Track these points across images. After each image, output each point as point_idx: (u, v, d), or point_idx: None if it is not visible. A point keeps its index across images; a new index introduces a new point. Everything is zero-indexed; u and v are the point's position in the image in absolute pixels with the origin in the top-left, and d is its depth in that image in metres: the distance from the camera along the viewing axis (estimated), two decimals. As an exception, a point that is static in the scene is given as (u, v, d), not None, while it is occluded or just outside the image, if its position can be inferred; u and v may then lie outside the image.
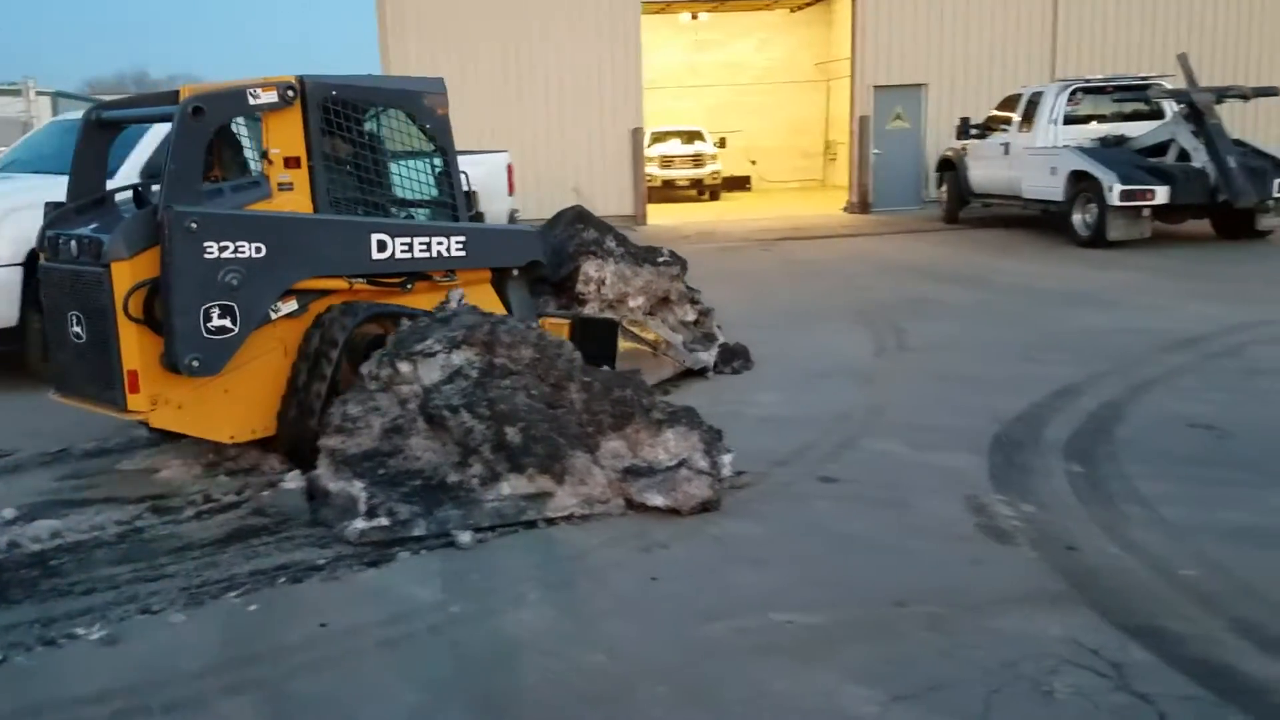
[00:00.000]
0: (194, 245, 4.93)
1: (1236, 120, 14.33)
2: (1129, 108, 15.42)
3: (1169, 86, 14.50)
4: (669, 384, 7.18)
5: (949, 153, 17.70)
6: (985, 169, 16.50)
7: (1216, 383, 6.99)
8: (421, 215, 6.27)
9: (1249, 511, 4.79)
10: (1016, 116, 15.75)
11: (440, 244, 5.95)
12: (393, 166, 6.14)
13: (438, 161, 6.23)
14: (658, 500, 4.85)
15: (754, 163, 31.32)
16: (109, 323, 4.97)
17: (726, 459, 5.22)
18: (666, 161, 26.16)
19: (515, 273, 6.58)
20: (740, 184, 30.81)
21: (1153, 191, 13.07)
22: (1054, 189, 14.35)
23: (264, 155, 5.52)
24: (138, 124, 6.51)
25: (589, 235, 7.65)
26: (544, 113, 18.73)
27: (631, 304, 7.41)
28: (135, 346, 4.97)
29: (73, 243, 5.18)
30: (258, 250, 5.12)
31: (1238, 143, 13.53)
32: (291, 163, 5.50)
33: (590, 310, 7.16)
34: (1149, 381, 7.03)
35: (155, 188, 5.41)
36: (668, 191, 26.33)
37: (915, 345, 8.50)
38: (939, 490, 5.16)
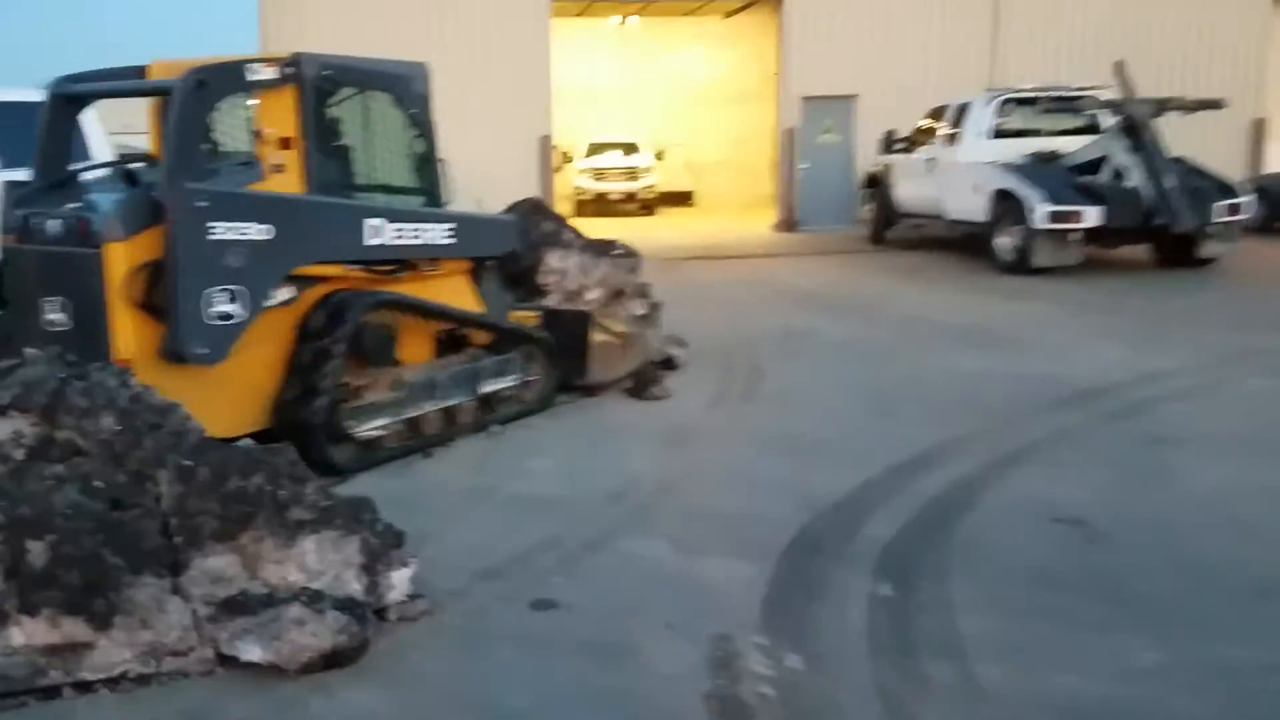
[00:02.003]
0: (201, 225, 4.68)
1: (1179, 136, 13.00)
2: (1066, 122, 14.09)
3: (1105, 97, 13.17)
4: (429, 448, 5.75)
5: (874, 168, 16.36)
6: (910, 186, 15.16)
7: (1105, 454, 5.59)
8: (402, 202, 6.02)
9: (1096, 674, 3.37)
10: (942, 130, 14.41)
11: (430, 231, 5.88)
12: (375, 151, 5.96)
13: (419, 147, 6.07)
14: (253, 653, 3.39)
15: (698, 177, 30.04)
16: (99, 309, 4.68)
17: (399, 576, 3.81)
18: (599, 174, 24.78)
19: (489, 263, 6.49)
20: (682, 199, 29.48)
21: (1081, 213, 11.71)
22: (977, 209, 12.99)
23: (257, 135, 5.26)
24: (107, 98, 5.95)
25: (548, 226, 7.74)
26: (444, 118, 17.18)
27: (589, 296, 7.27)
28: (130, 334, 4.68)
29: (53, 223, 4.88)
30: (263, 232, 4.89)
31: (1177, 160, 12.20)
32: (283, 143, 5.27)
33: (551, 302, 7.12)
34: (1022, 450, 5.63)
35: (135, 165, 5.43)
36: (601, 205, 24.96)
37: (763, 394, 7.07)
38: (684, 625, 3.73)
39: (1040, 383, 7.02)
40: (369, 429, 5.45)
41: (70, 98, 5.46)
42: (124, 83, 5.59)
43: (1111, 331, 8.82)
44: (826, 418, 6.40)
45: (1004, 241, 12.53)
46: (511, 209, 7.81)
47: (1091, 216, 11.68)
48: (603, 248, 7.71)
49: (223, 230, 4.76)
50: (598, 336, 6.76)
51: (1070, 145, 13.29)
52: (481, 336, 6.34)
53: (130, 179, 5.25)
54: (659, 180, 26.36)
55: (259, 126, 5.26)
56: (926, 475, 5.23)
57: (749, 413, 6.63)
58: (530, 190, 17.17)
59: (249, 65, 5.12)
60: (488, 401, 6.18)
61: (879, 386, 7.11)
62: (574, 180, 25.30)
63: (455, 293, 6.17)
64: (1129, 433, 5.95)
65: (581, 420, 6.50)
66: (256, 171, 5.19)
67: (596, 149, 25.71)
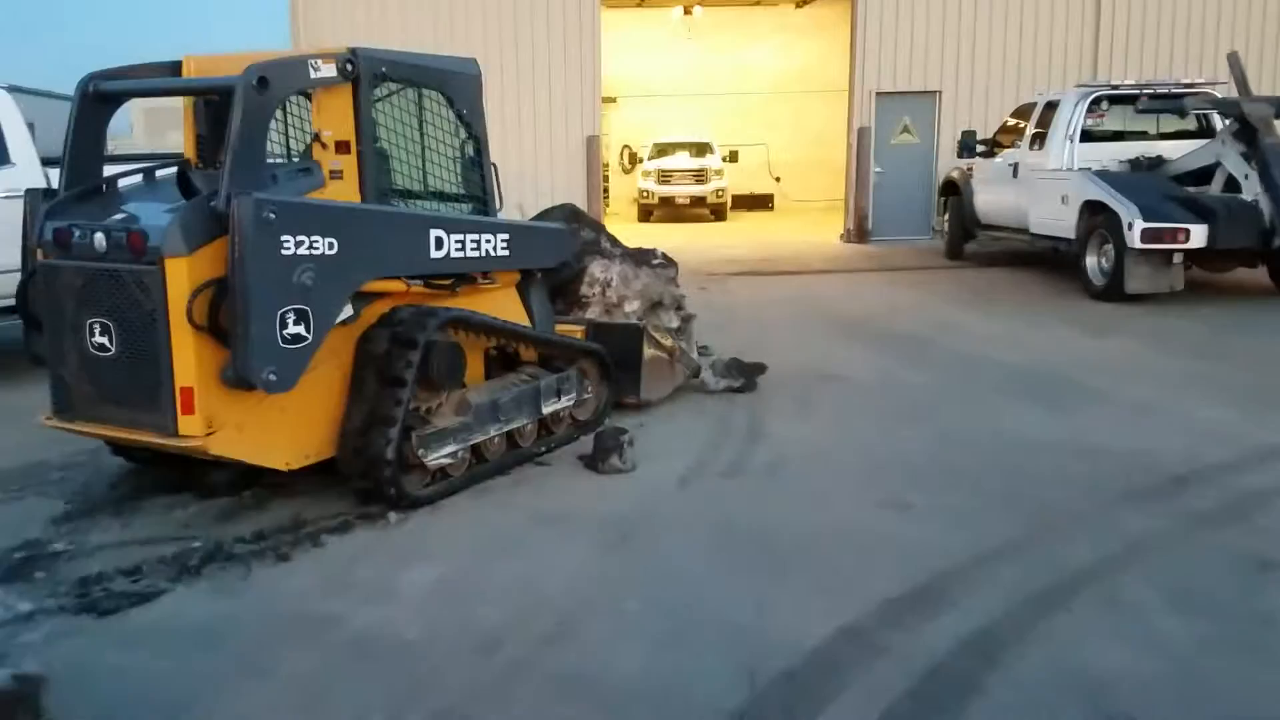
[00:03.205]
0: (272, 239, 4.30)
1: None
2: (1171, 123, 12.28)
3: (1217, 95, 11.34)
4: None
5: (953, 174, 14.68)
6: (991, 195, 13.48)
7: (1190, 590, 4.02)
8: (455, 211, 5.69)
9: None
10: (1028, 130, 12.69)
11: (488, 242, 5.55)
12: (426, 154, 5.58)
13: (470, 150, 5.72)
14: None
15: (778, 179, 28.50)
16: (156, 331, 4.34)
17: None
18: (665, 176, 23.39)
19: (538, 275, 6.18)
20: (762, 203, 27.98)
21: (1185, 231, 9.94)
22: (1064, 223, 11.29)
23: (315, 138, 4.88)
24: (140, 97, 5.47)
25: (587, 234, 7.34)
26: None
27: (628, 308, 6.97)
28: (193, 359, 4.31)
29: (99, 235, 4.45)
30: (330, 246, 4.53)
31: (1304, 168, 10.33)
32: (341, 147, 4.90)
33: (592, 314, 6.83)
34: (1072, 580, 4.10)
35: (165, 171, 5.12)
36: (668, 210, 23.59)
37: (753, 464, 5.62)
38: None
39: (1114, 461, 5.45)
40: (439, 457, 5.05)
41: (101, 95, 4.94)
42: (154, 81, 5.20)
43: (1215, 383, 7.13)
44: (822, 507, 4.94)
45: (1093, 262, 10.82)
46: (544, 215, 7.55)
47: (1197, 235, 9.92)
48: (642, 256, 7.45)
49: (292, 244, 4.37)
50: (650, 351, 6.53)
51: (1175, 150, 11.50)
52: (531, 353, 5.99)
53: (184, 186, 4.76)
54: (730, 183, 24.90)
55: (316, 129, 4.88)
56: (931, 620, 3.76)
57: (726, 495, 5.20)
58: (576, 194, 15.96)
59: (310, 61, 4.72)
60: (544, 424, 5.84)
61: (904, 458, 5.62)
62: (638, 183, 23.98)
63: (505, 306, 5.86)
64: (1228, 551, 4.36)
65: (511, 501, 5.16)
66: (317, 178, 4.79)
67: (663, 150, 24.32)
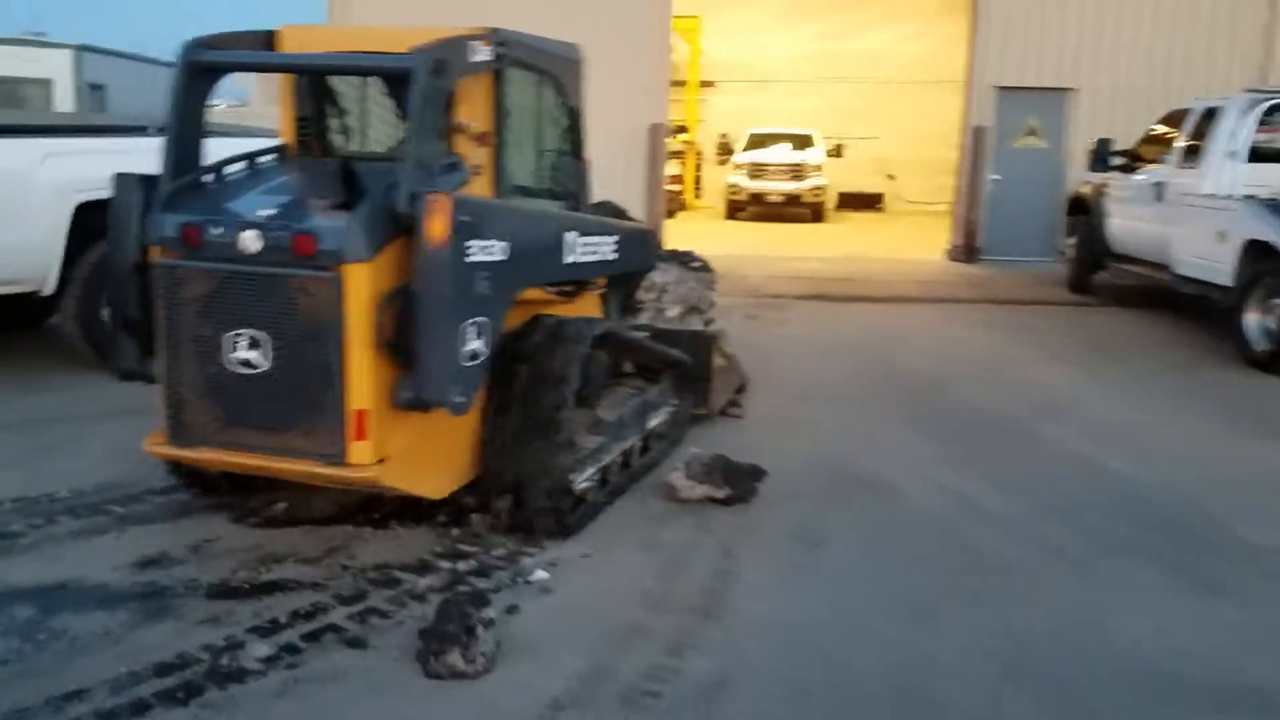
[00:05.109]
0: (461, 244, 3.84)
1: None
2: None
3: None
4: None
5: (1083, 189, 12.12)
6: (1128, 219, 10.92)
7: None
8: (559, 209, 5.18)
9: None
10: (1179, 143, 10.10)
11: (604, 244, 5.26)
12: (537, 147, 5.04)
13: (570, 143, 5.22)
14: None
15: (892, 178, 25.91)
16: (327, 346, 3.83)
17: None
18: (757, 171, 21.11)
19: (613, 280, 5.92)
20: (869, 203, 25.46)
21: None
22: (1220, 264, 8.76)
23: (458, 129, 4.31)
24: (239, 70, 5.03)
25: None
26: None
27: (669, 313, 6.92)
28: (368, 380, 3.86)
29: (247, 234, 3.88)
30: (502, 251, 4.12)
31: None
32: (481, 139, 4.45)
33: (644, 320, 6.63)
34: None
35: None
36: (759, 208, 21.32)
37: (683, 683, 3.46)
38: None
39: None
40: (584, 480, 4.69)
41: (205, 67, 4.35)
42: (256, 55, 4.69)
43: None
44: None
45: (1255, 320, 8.29)
46: None
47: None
48: (679, 258, 7.31)
49: (475, 250, 3.97)
50: (717, 360, 6.28)
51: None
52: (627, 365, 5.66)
53: (349, 182, 4.01)
54: (836, 180, 22.50)
55: (459, 119, 4.32)
56: None
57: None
58: (635, 188, 13.83)
59: (471, 44, 4.27)
60: (645, 440, 5.46)
61: (941, 700, 3.41)
62: (728, 177, 21.74)
63: (591, 312, 5.55)
64: None
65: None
66: (463, 174, 4.23)
67: (759, 141, 22.00)
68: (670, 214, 16.57)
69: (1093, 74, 14.15)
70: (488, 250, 4.04)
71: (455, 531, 4.58)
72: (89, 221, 6.99)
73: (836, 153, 22.43)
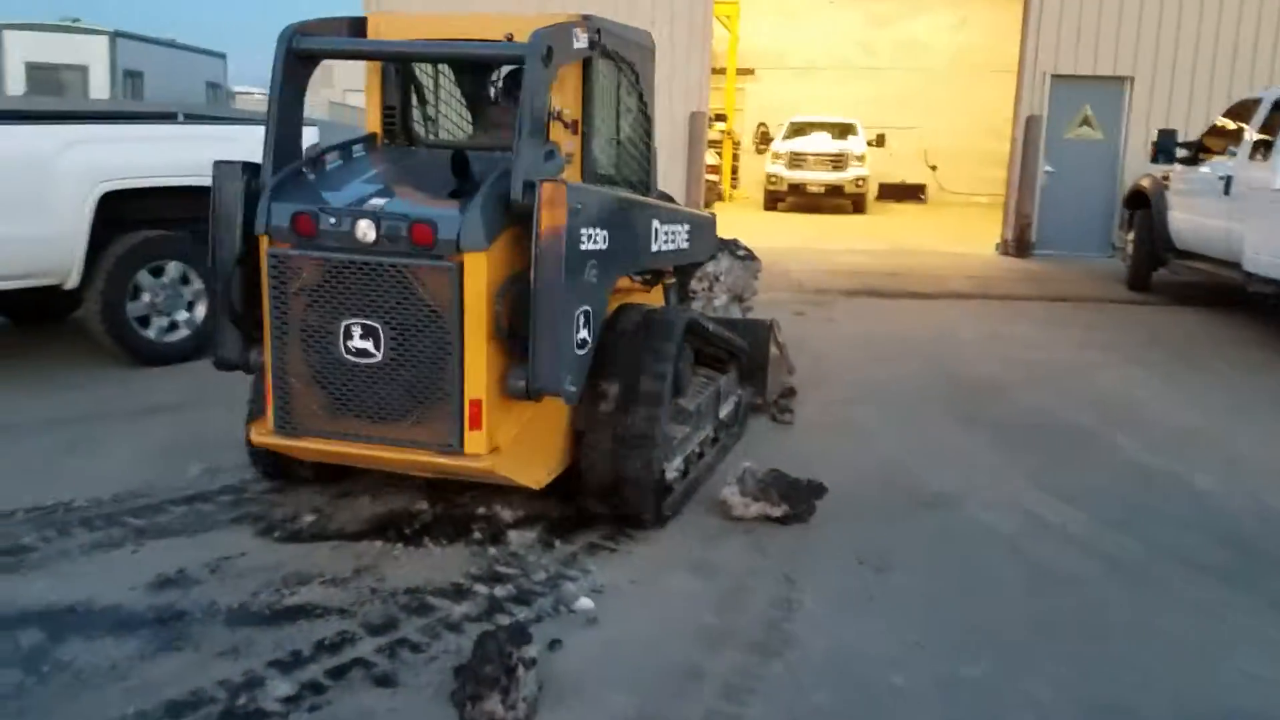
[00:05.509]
0: (575, 232, 3.87)
1: None
2: None
3: None
4: None
5: (1143, 183, 11.63)
6: (1193, 214, 10.44)
7: None
8: None
9: None
10: (1249, 135, 9.62)
11: (680, 233, 5.25)
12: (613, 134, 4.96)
13: (640, 130, 5.18)
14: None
15: (934, 168, 25.40)
16: (444, 335, 3.82)
17: None
18: (797, 160, 20.67)
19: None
20: (912, 194, 24.97)
21: None
22: (1296, 263, 8.30)
23: (555, 117, 4.27)
24: (340, 58, 4.95)
25: None
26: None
27: (716, 303, 6.87)
28: (484, 367, 3.85)
29: (362, 224, 3.86)
30: (604, 240, 4.15)
31: None
32: (572, 127, 4.43)
33: (696, 308, 6.51)
34: None
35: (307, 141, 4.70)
36: (799, 198, 20.90)
37: (747, 735, 3.15)
38: None
39: None
40: (672, 470, 4.64)
41: (305, 54, 4.32)
42: (353, 42, 4.58)
43: None
44: None
45: (1338, 323, 7.82)
46: None
47: None
48: (728, 247, 7.22)
49: (586, 238, 3.96)
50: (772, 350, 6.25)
51: None
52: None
53: (461, 170, 3.96)
54: (877, 170, 22.02)
55: (555, 107, 4.28)
56: None
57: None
58: (675, 177, 13.49)
59: (575, 30, 4.23)
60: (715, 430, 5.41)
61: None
62: (766, 166, 21.31)
63: (656, 301, 5.52)
64: None
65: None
66: (560, 162, 4.18)
67: (799, 130, 21.56)
68: (706, 205, 16.20)
69: (1151, 60, 13.63)
70: (593, 238, 4.08)
71: (492, 550, 4.27)
72: (114, 211, 6.75)
73: (879, 142, 21.96)
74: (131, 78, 23.83)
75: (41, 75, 22.48)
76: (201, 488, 4.90)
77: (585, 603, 3.83)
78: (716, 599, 3.93)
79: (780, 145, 21.25)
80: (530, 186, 3.80)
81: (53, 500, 4.70)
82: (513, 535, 4.39)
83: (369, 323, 3.93)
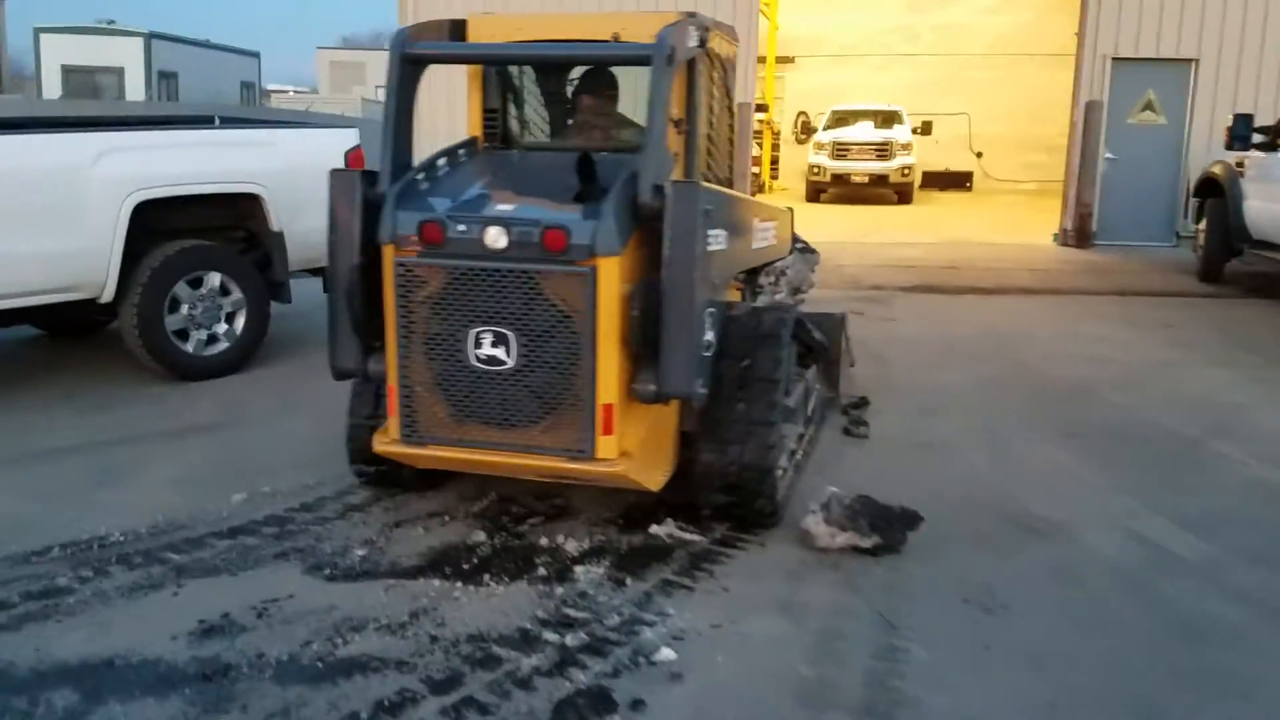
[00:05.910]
0: (704, 234, 3.88)
1: None
2: None
3: None
4: None
5: (1215, 169, 11.10)
6: (1272, 201, 9.92)
7: None
8: None
9: None
10: (1336, 116, 9.09)
11: (770, 230, 5.49)
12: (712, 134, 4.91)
13: (725, 128, 5.06)
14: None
15: (980, 155, 24.84)
16: (576, 340, 3.80)
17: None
18: (841, 150, 20.20)
19: None
20: (958, 182, 24.43)
21: None
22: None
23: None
24: (457, 62, 4.70)
25: None
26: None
27: (778, 297, 6.52)
28: (615, 372, 3.84)
29: (492, 230, 3.84)
30: (721, 240, 4.22)
31: None
32: (678, 126, 4.40)
33: (762, 302, 6.12)
34: None
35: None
36: (842, 189, 20.43)
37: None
38: None
39: None
40: (779, 469, 4.52)
41: (416, 59, 4.31)
42: (460, 47, 4.59)
43: None
44: None
45: None
46: None
47: None
48: None
49: (711, 240, 3.98)
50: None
51: None
52: None
53: (587, 174, 3.92)
54: (921, 158, 21.49)
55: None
56: None
57: None
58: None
59: (690, 30, 4.17)
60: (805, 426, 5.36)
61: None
62: (809, 156, 20.84)
63: (733, 299, 5.36)
64: None
65: None
66: (670, 163, 4.05)
67: (841, 119, 21.07)
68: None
69: (1216, 42, 13.06)
70: (716, 239, 4.11)
71: (559, 589, 3.92)
72: (150, 222, 6.46)
73: (925, 130, 21.43)
74: (166, 79, 23.73)
75: (77, 78, 22.42)
76: (244, 518, 4.60)
77: (667, 653, 3.47)
78: (809, 646, 3.55)
79: (823, 135, 20.78)
80: (659, 189, 3.79)
81: (88, 535, 4.41)
82: (579, 571, 4.05)
83: (499, 329, 3.90)
